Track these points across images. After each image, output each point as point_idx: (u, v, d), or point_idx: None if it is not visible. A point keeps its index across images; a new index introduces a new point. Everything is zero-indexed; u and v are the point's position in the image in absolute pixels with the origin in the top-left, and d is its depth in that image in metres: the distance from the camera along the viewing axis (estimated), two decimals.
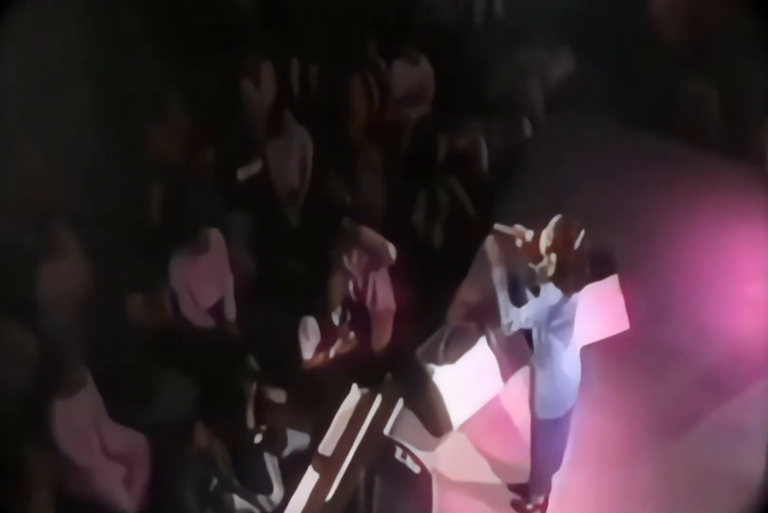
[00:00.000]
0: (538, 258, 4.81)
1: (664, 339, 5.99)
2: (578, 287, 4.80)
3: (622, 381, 5.88)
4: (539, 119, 7.49)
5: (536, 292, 4.79)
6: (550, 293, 4.74)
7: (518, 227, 4.90)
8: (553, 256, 4.71)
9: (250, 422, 6.00)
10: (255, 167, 7.08)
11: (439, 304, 6.09)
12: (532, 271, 4.84)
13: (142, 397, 5.88)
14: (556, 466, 5.36)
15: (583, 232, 4.68)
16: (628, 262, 6.00)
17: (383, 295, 6.57)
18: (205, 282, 6.35)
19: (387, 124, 7.52)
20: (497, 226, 4.92)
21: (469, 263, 6.19)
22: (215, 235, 6.33)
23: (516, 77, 7.49)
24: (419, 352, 5.61)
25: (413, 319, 6.36)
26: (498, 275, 4.78)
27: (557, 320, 4.86)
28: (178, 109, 6.95)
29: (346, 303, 6.51)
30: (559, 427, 5.18)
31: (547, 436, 5.21)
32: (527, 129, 7.38)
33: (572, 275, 4.73)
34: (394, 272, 6.56)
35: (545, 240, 4.72)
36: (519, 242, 4.87)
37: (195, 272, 6.28)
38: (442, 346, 5.60)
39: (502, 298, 4.74)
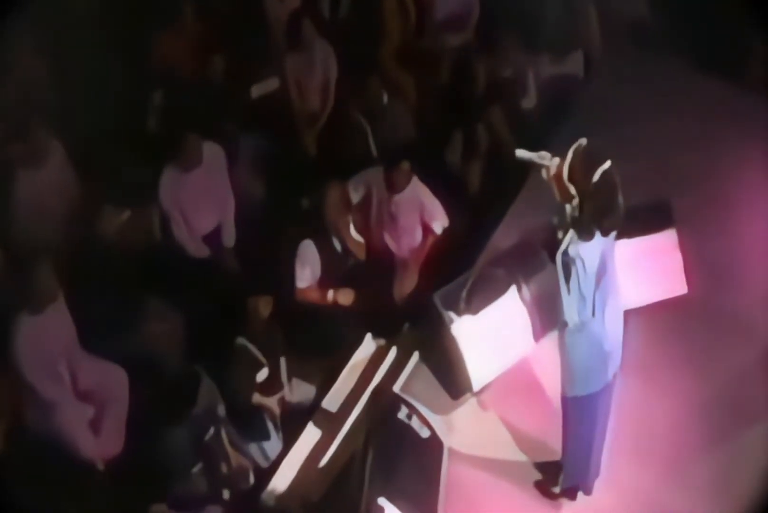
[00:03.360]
0: (565, 193, 3.99)
1: (724, 306, 5.22)
2: (609, 230, 3.99)
3: (673, 353, 5.10)
4: (595, 55, 6.67)
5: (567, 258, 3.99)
6: (585, 256, 3.92)
7: (543, 154, 4.07)
8: (574, 202, 3.91)
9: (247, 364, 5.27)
10: (271, 84, 6.31)
11: (473, 250, 5.44)
12: (561, 208, 4.00)
13: (122, 325, 5.19)
14: (596, 449, 4.54)
15: (608, 163, 3.89)
16: (687, 216, 5.25)
17: (407, 237, 5.80)
18: (199, 203, 5.62)
19: (423, 50, 6.70)
20: (519, 152, 4.10)
21: (508, 207, 5.66)
22: (211, 149, 5.59)
23: (573, 6, 6.63)
24: (437, 297, 4.85)
25: (443, 266, 5.57)
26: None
27: (600, 270, 4.04)
28: (188, 10, 6.16)
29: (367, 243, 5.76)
30: (595, 404, 4.37)
31: (582, 415, 4.39)
32: (581, 64, 6.59)
33: (598, 215, 3.91)
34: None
35: (566, 169, 3.91)
36: (544, 172, 4.04)
37: (187, 190, 5.53)
38: (464, 293, 4.81)
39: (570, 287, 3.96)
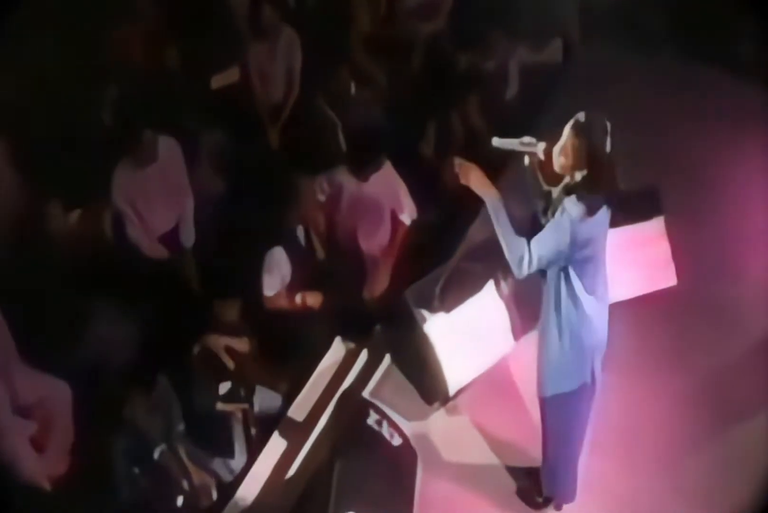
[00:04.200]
0: (552, 177, 3.76)
1: (715, 298, 4.92)
2: (610, 200, 3.73)
3: (661, 348, 4.79)
4: (574, 43, 6.38)
5: (550, 214, 3.74)
6: (571, 210, 3.65)
7: (526, 139, 3.81)
8: (578, 174, 3.64)
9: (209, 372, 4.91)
10: (232, 75, 5.97)
11: (449, 246, 5.09)
12: (547, 194, 3.78)
13: (67, 335, 4.77)
14: (575, 454, 4.17)
15: (609, 128, 3.65)
16: (675, 204, 4.95)
17: (378, 232, 5.42)
18: (156, 201, 5.24)
19: (394, 38, 6.38)
20: (496, 141, 3.83)
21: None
22: (167, 144, 5.22)
23: None
24: (409, 293, 4.50)
25: (417, 264, 5.21)
26: (490, 202, 3.71)
27: (582, 251, 3.74)
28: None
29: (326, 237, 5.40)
30: (572, 404, 4.01)
31: (559, 415, 4.05)
32: (560, 52, 6.31)
33: (604, 185, 3.64)
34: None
35: (563, 150, 3.65)
36: (527, 159, 3.80)
37: (142, 187, 5.16)
38: (438, 289, 4.49)
39: (502, 229, 3.69)
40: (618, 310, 4.15)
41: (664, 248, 4.83)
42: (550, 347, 3.88)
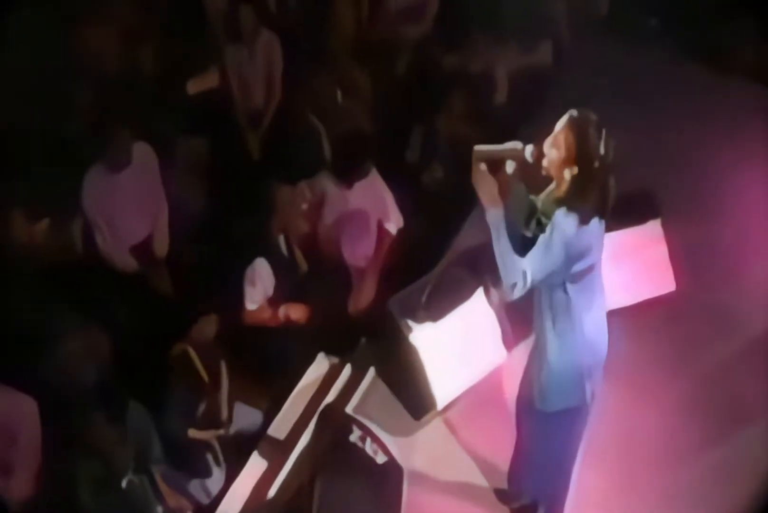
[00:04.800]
0: (539, 184, 3.51)
1: (715, 303, 4.69)
2: (603, 211, 3.46)
3: (660, 356, 4.56)
4: (565, 44, 6.17)
5: (541, 229, 3.46)
6: (563, 224, 3.38)
7: (511, 144, 3.47)
8: (567, 172, 3.37)
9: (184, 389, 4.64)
10: (210, 79, 5.74)
11: (437, 255, 4.88)
12: (532, 205, 3.52)
13: (33, 351, 4.51)
14: (565, 472, 3.90)
15: (604, 132, 3.38)
16: (672, 207, 4.74)
17: (363, 242, 5.18)
18: (128, 209, 5.02)
19: (379, 42, 6.16)
20: (479, 148, 3.47)
21: (473, 206, 4.78)
22: (141, 149, 5.01)
23: None
24: (393, 302, 4.26)
25: (404, 275, 4.89)
26: (493, 217, 3.39)
27: (578, 264, 3.47)
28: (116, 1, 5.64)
29: (309, 247, 5.18)
30: (569, 422, 3.72)
31: (547, 433, 3.75)
32: (550, 53, 6.09)
33: (595, 193, 3.38)
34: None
35: (554, 142, 3.38)
36: (511, 166, 3.46)
37: (114, 194, 4.94)
38: (424, 298, 4.22)
39: (501, 249, 3.38)
40: (615, 318, 3.86)
41: (661, 252, 4.61)
42: (553, 361, 3.59)
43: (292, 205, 5.11)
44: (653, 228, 4.59)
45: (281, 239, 5.08)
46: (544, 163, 3.42)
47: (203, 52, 5.79)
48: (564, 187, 3.42)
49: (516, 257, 3.38)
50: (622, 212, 4.43)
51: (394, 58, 6.18)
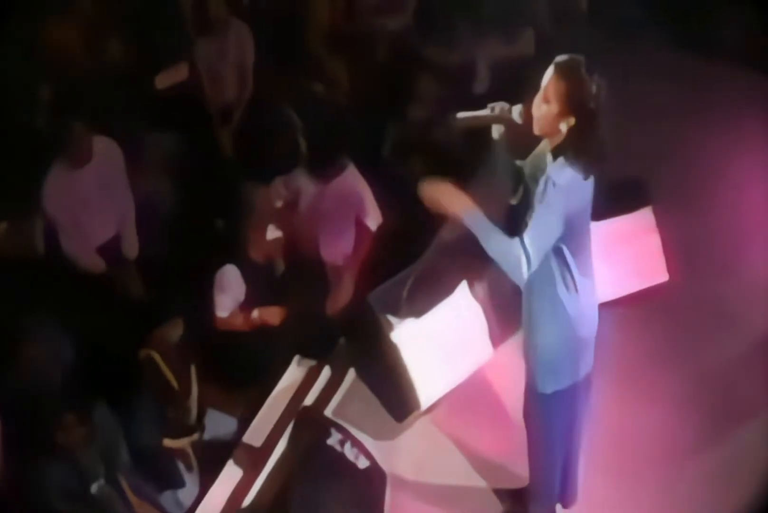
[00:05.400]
0: (527, 146, 3.30)
1: (709, 295, 4.49)
2: (597, 164, 3.23)
3: (653, 350, 4.35)
4: (547, 33, 6.00)
5: (528, 196, 3.25)
6: (559, 179, 3.14)
7: (498, 105, 3.35)
8: (563, 125, 3.15)
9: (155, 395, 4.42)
10: (179, 72, 5.52)
11: (418, 252, 4.64)
12: (518, 171, 3.33)
13: None
14: (568, 466, 3.71)
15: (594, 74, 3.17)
16: (664, 194, 4.55)
17: (340, 240, 4.94)
18: (93, 207, 4.76)
19: (356, 34, 5.94)
20: (460, 115, 3.37)
21: None
22: (104, 144, 4.75)
23: None
24: (373, 297, 4.03)
25: (384, 273, 4.61)
26: (472, 220, 3.19)
27: (572, 226, 3.24)
28: None
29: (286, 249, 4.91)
30: (567, 402, 3.53)
31: (552, 416, 3.56)
32: (532, 43, 5.91)
33: (592, 142, 3.15)
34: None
35: (543, 96, 3.17)
36: (498, 130, 3.32)
37: (77, 191, 4.68)
38: (405, 292, 4.00)
39: (495, 246, 3.16)
40: (606, 310, 3.64)
41: (653, 241, 4.40)
42: (542, 340, 3.39)
43: (266, 203, 4.91)
44: (645, 216, 4.39)
45: (256, 240, 4.83)
46: (536, 120, 3.20)
47: (172, 44, 5.54)
48: (558, 140, 3.19)
49: (514, 246, 3.16)
50: (612, 199, 4.31)
51: (372, 49, 5.95)
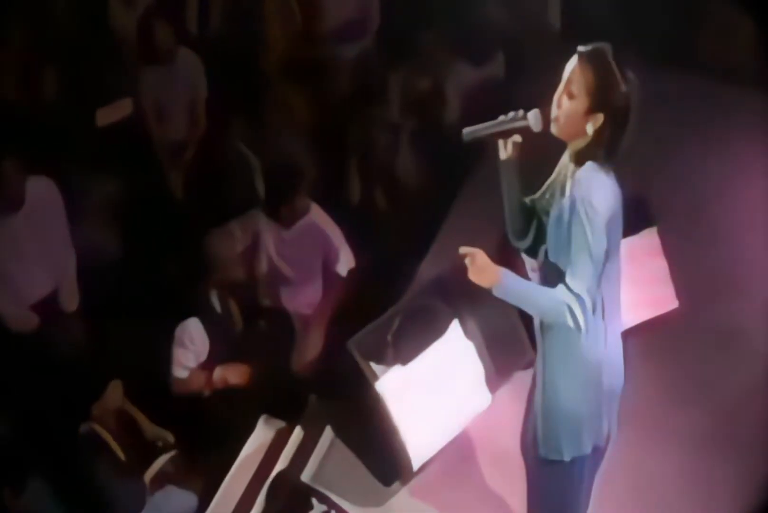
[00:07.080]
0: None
1: (721, 319, 4.05)
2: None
3: (668, 385, 3.89)
4: (518, 56, 5.52)
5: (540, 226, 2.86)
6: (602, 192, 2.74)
7: (510, 115, 2.87)
8: (589, 126, 2.72)
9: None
10: (123, 108, 5.10)
11: (396, 295, 4.15)
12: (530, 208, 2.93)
13: None
14: None
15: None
16: (669, 216, 4.18)
17: (307, 286, 4.55)
18: (25, 259, 4.30)
19: (314, 62, 5.51)
20: (467, 131, 2.93)
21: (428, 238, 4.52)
22: (41, 185, 4.32)
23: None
24: (354, 343, 3.49)
25: (357, 321, 4.23)
26: (502, 289, 2.76)
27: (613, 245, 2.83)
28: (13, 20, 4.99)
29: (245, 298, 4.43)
30: (581, 471, 3.04)
31: (555, 485, 3.06)
32: (502, 65, 5.48)
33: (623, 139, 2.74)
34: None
35: (564, 92, 2.75)
36: (511, 146, 2.88)
37: (6, 241, 4.23)
38: (390, 336, 3.50)
39: (539, 303, 2.79)
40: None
41: (660, 266, 3.96)
42: (556, 397, 2.91)
43: (222, 251, 4.44)
44: (650, 238, 3.95)
45: (212, 292, 4.35)
46: (556, 124, 2.77)
47: (113, 77, 5.14)
48: (582, 144, 2.77)
49: (553, 295, 2.74)
50: None
51: (331, 78, 5.54)
